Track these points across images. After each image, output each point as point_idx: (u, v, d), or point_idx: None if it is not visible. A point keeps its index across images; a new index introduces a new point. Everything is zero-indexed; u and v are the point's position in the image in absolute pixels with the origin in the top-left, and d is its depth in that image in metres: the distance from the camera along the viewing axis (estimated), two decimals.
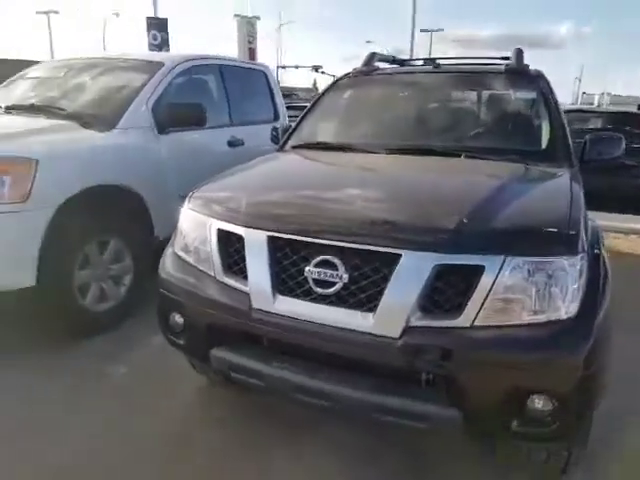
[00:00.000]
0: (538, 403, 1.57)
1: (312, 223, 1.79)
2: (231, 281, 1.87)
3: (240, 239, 1.85)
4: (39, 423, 2.26)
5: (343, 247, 1.69)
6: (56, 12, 37.97)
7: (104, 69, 4.05)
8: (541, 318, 1.58)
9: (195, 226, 2.03)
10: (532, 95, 2.95)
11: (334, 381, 1.71)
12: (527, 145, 2.65)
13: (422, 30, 42.43)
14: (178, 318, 2.02)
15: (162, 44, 21.32)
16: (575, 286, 1.60)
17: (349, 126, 3.13)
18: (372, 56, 3.52)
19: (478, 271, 1.58)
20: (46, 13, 37.33)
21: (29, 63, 4.71)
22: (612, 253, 4.99)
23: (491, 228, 1.69)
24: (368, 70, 3.44)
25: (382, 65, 3.62)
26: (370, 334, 1.63)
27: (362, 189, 2.09)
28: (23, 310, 3.00)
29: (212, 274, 1.92)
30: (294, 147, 2.95)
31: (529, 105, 2.93)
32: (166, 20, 21.97)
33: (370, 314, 1.64)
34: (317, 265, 1.71)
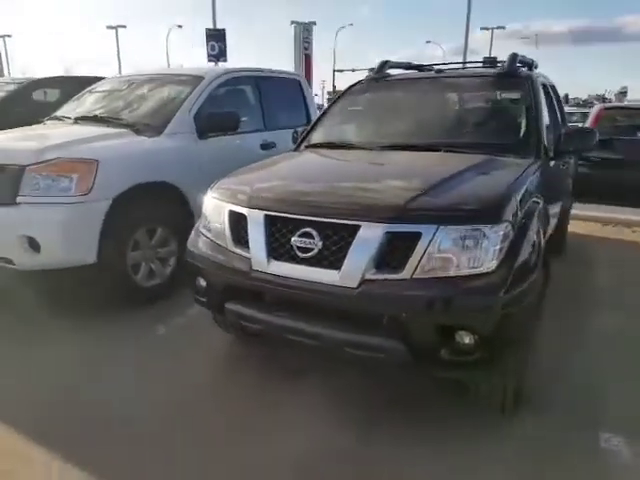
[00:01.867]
0: (462, 337, 2.02)
1: (296, 204, 2.31)
2: (238, 250, 2.41)
3: (244, 218, 2.40)
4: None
5: (318, 221, 2.21)
6: (124, 26, 40.57)
7: (156, 83, 4.76)
8: (465, 272, 2.03)
9: (213, 209, 2.61)
10: (516, 96, 3.33)
11: (315, 323, 2.22)
12: (503, 140, 3.08)
13: (482, 28, 41.91)
14: (201, 281, 2.59)
15: (220, 54, 22.36)
16: (496, 248, 2.04)
17: (354, 127, 3.64)
18: (384, 63, 3.98)
19: (417, 237, 2.05)
20: (115, 28, 39.98)
21: (94, 79, 5.51)
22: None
23: (430, 204, 2.18)
24: (379, 77, 3.92)
25: (396, 71, 4.09)
26: (336, 286, 2.13)
27: (339, 177, 2.64)
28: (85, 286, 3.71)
29: (225, 246, 2.48)
30: (307, 147, 3.49)
31: (513, 105, 3.31)
32: (224, 31, 22.85)
33: (337, 271, 2.14)
34: (300, 236, 2.22)
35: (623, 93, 43.90)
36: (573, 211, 5.50)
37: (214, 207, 2.62)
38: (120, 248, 3.53)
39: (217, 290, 2.51)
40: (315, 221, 2.21)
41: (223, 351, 3.17)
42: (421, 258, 2.04)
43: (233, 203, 2.49)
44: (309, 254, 2.20)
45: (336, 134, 3.59)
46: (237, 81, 5.09)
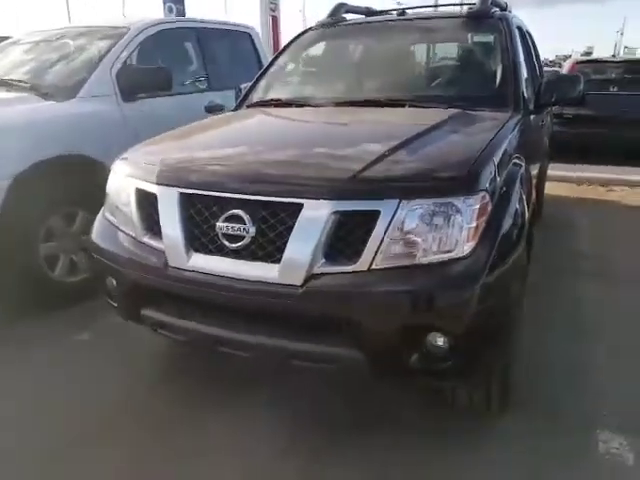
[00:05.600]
0: (433, 340, 1.58)
1: (219, 178, 1.78)
2: (150, 241, 1.87)
3: (156, 198, 1.84)
4: None
5: (249, 200, 1.68)
6: None
7: (72, 39, 4.02)
8: (435, 259, 1.57)
9: (118, 188, 2.04)
10: (490, 39, 2.82)
11: (250, 332, 1.73)
12: (476, 90, 2.60)
13: None
14: (111, 281, 2.04)
15: (178, 16, 21.00)
16: (472, 225, 1.57)
17: (304, 81, 3.07)
18: (339, 7, 3.39)
19: (374, 216, 1.57)
20: None
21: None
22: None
23: (388, 173, 1.68)
24: (332, 22, 3.32)
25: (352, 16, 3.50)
26: (275, 284, 1.63)
27: (280, 142, 2.08)
28: None
29: (133, 235, 1.93)
30: (249, 106, 2.91)
31: (485, 50, 2.81)
32: None
33: (276, 265, 1.64)
34: (226, 220, 1.70)
35: (589, 53, 44.24)
36: (548, 171, 5.12)
37: (119, 185, 2.05)
38: (26, 238, 2.92)
39: (129, 293, 1.97)
40: (246, 200, 1.69)
41: (157, 360, 2.65)
42: (380, 243, 1.56)
43: (141, 179, 1.92)
44: (239, 244, 1.68)
45: (283, 90, 3.02)
46: (173, 34, 4.38)
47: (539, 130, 3.24)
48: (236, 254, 1.70)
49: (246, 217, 1.67)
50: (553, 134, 5.20)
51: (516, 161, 2.03)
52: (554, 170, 5.81)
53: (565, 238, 4.17)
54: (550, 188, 5.39)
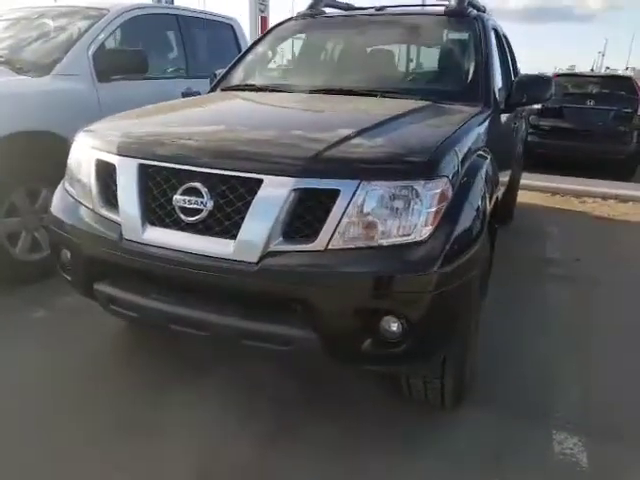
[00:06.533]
0: (387, 325, 1.56)
1: (180, 149, 1.74)
2: (107, 213, 1.83)
3: (114, 169, 1.80)
4: None
5: (208, 173, 1.65)
6: None
7: (49, 17, 3.94)
8: (393, 241, 1.56)
9: (78, 159, 2.00)
10: (464, 37, 2.84)
11: (204, 309, 1.69)
12: (448, 85, 2.62)
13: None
14: (66, 253, 1.99)
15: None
16: (431, 210, 1.56)
17: (280, 69, 3.08)
18: (318, 0, 3.39)
19: (334, 196, 1.55)
20: None
21: None
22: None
23: (351, 154, 1.66)
24: (312, 14, 3.32)
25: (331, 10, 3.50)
26: (231, 260, 1.60)
27: (247, 121, 2.06)
28: None
29: (91, 207, 1.88)
30: (223, 90, 2.89)
31: (460, 48, 2.83)
32: None
33: (232, 241, 1.61)
34: (184, 193, 1.66)
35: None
36: (522, 181, 5.19)
37: (79, 156, 2.00)
38: None
39: (82, 266, 1.92)
40: (204, 173, 1.66)
41: (115, 340, 2.59)
42: (338, 223, 1.54)
43: (101, 150, 1.88)
44: (196, 218, 1.65)
45: (258, 76, 3.00)
46: (153, 19, 4.33)
47: (510, 131, 3.28)
48: (192, 228, 1.67)
49: (204, 190, 1.64)
50: (528, 143, 5.28)
51: (481, 153, 2.04)
52: (530, 180, 5.90)
53: (536, 244, 4.22)
54: (525, 197, 5.47)
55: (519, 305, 3.01)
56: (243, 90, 2.76)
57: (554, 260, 3.86)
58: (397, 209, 1.57)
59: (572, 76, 8.17)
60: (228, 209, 1.62)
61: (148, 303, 1.77)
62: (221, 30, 5.18)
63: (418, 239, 1.56)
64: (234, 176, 1.62)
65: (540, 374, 2.33)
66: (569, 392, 2.22)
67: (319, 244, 1.56)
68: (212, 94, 2.78)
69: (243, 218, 1.59)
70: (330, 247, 1.56)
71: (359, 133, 1.79)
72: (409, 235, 1.56)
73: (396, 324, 1.57)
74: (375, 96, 2.41)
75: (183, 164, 1.69)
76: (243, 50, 5.12)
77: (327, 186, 1.57)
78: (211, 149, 1.73)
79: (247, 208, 1.59)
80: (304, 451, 1.84)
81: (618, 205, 5.75)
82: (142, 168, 1.74)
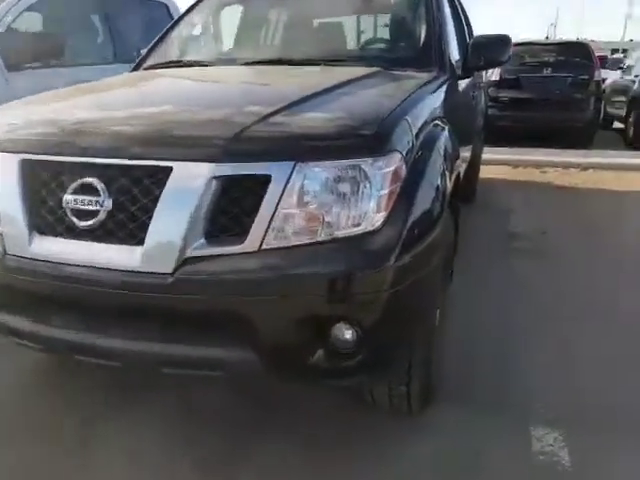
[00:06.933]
0: (340, 334, 1.30)
1: (68, 137, 1.39)
2: None
3: None
4: None
5: (104, 165, 1.32)
6: None
7: None
8: (340, 234, 1.27)
9: None
10: None
11: (111, 335, 1.37)
12: (398, 51, 2.35)
13: None
14: None
15: None
16: (383, 192, 1.28)
17: (211, 42, 2.73)
18: None
19: (264, 183, 1.24)
20: None
21: None
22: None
23: (282, 130, 1.36)
24: None
25: None
26: (138, 272, 1.27)
27: (158, 100, 1.72)
28: None
29: None
30: (147, 68, 2.51)
31: (410, 9, 2.52)
32: None
33: (139, 248, 1.28)
34: (76, 191, 1.32)
35: None
36: (483, 155, 5.00)
37: None
38: None
39: None
40: (99, 165, 1.32)
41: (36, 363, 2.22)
42: (272, 217, 1.24)
43: None
44: (92, 221, 1.31)
45: (187, 51, 2.63)
46: None
47: (469, 100, 3.03)
48: (89, 235, 1.33)
49: (100, 187, 1.30)
50: (488, 117, 5.08)
51: (438, 124, 1.77)
52: (490, 154, 5.74)
53: (500, 218, 4.04)
54: (486, 171, 5.30)
55: (481, 281, 2.80)
56: (168, 67, 2.40)
57: (519, 234, 3.68)
58: (342, 194, 1.28)
59: (528, 44, 7.99)
60: (132, 208, 1.29)
61: (49, 332, 1.43)
62: (154, 10, 4.76)
63: (370, 229, 1.27)
64: (136, 165, 1.29)
65: (502, 362, 2.10)
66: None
67: (250, 244, 1.25)
68: (129, 74, 2.41)
69: (151, 218, 1.27)
70: (264, 247, 1.25)
71: (293, 105, 1.47)
72: (359, 225, 1.28)
73: (350, 332, 1.31)
74: (318, 65, 2.09)
75: (73, 155, 1.34)
76: None
77: (254, 171, 1.26)
78: (108, 135, 1.39)
79: (155, 204, 1.27)
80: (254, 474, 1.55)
81: (579, 173, 5.68)
82: (26, 165, 1.38)
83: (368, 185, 1.27)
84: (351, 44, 2.47)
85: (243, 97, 1.72)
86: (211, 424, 1.78)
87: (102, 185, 1.30)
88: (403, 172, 1.34)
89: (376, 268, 1.26)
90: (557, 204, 4.53)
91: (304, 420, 1.79)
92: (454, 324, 2.16)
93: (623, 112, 8.05)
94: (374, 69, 1.97)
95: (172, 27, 2.75)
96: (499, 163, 5.92)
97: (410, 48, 2.30)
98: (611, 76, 9.17)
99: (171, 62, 2.44)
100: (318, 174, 1.26)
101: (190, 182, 1.25)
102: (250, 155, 1.27)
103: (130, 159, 1.30)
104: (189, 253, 1.26)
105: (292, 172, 1.24)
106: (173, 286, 1.25)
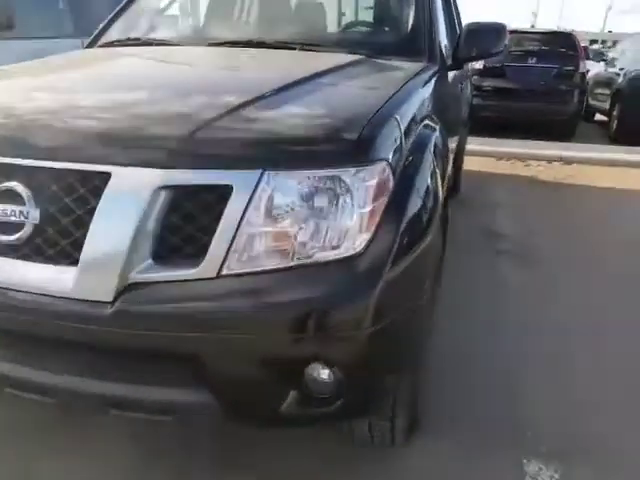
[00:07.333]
0: (315, 375, 1.11)
1: None
2: None
3: None
4: None
5: (30, 167, 1.09)
6: None
7: None
8: (316, 258, 1.07)
9: None
10: None
11: (46, 369, 1.16)
12: (384, 36, 2.13)
13: None
14: None
15: None
16: (365, 210, 1.08)
17: (174, 18, 2.45)
18: None
19: (224, 195, 1.03)
20: None
21: None
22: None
23: (247, 131, 1.13)
24: None
25: None
26: (70, 299, 1.06)
27: (103, 87, 1.47)
28: None
29: None
30: (102, 45, 2.23)
31: None
32: None
33: (72, 269, 1.06)
34: None
35: None
36: (467, 146, 4.85)
37: None
38: None
39: None
40: (24, 167, 1.09)
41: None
42: (234, 236, 1.03)
43: None
44: (17, 235, 1.09)
45: (147, 27, 2.34)
46: None
47: (458, 93, 2.84)
48: (13, 252, 1.10)
49: (26, 194, 1.07)
50: (473, 107, 4.91)
51: (429, 123, 1.56)
52: (473, 145, 5.58)
53: (482, 215, 3.90)
54: (469, 163, 5.15)
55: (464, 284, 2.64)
56: (125, 46, 2.13)
57: (504, 235, 3.54)
58: (319, 210, 1.08)
59: (513, 33, 7.80)
60: (63, 220, 1.07)
61: None
62: None
63: (350, 252, 1.08)
64: (67, 169, 1.07)
65: (491, 378, 1.95)
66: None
67: (208, 268, 1.04)
68: (75, 52, 2.13)
69: (86, 233, 1.05)
70: (225, 272, 1.05)
71: (262, 98, 1.25)
72: (338, 247, 1.08)
73: (327, 373, 1.12)
74: (293, 49, 1.85)
75: None
76: None
77: (212, 180, 1.04)
78: (34, 131, 1.15)
79: (91, 218, 1.04)
80: None
81: (563, 167, 5.58)
82: None
83: (349, 200, 1.07)
84: (332, 27, 2.23)
85: (204, 86, 1.47)
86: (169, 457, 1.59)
87: (27, 192, 1.07)
88: (390, 184, 1.14)
89: (356, 301, 1.07)
90: (542, 200, 4.43)
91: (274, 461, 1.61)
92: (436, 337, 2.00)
93: (606, 105, 7.97)
94: (356, 57, 1.76)
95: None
96: (482, 155, 5.78)
97: (397, 34, 2.08)
98: (594, 68, 9.06)
99: (129, 39, 2.16)
100: (290, 185, 1.05)
101: (132, 192, 1.03)
102: (207, 161, 1.05)
103: (60, 161, 1.07)
104: (133, 278, 1.04)
105: (259, 182, 1.03)
106: (113, 318, 1.03)
